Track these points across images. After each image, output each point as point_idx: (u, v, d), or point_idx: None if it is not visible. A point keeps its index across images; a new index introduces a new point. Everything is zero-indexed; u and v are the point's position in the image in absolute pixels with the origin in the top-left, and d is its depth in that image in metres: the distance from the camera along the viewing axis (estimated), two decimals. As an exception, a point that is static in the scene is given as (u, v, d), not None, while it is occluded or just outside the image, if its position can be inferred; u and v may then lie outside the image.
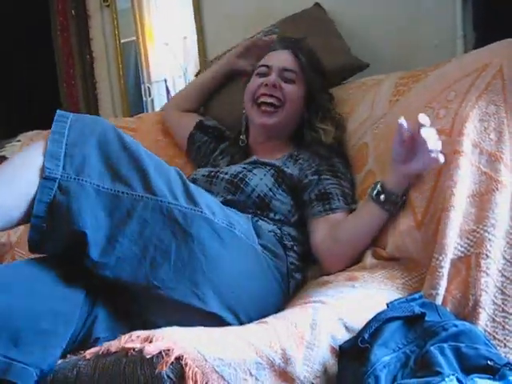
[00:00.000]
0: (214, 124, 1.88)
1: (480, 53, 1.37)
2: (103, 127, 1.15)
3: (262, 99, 1.62)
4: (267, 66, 1.67)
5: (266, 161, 1.57)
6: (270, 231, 1.41)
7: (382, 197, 1.30)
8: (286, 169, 1.52)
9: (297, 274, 1.41)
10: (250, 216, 1.40)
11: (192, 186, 1.20)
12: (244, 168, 1.54)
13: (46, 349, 1.05)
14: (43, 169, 1.08)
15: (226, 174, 1.53)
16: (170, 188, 1.15)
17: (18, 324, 1.03)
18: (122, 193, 1.11)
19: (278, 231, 1.43)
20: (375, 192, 1.31)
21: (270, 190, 1.48)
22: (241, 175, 1.50)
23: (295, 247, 1.44)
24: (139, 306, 1.18)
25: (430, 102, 1.34)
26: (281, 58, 1.68)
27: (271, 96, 1.61)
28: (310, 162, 1.54)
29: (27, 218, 1.09)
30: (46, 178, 1.08)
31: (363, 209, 1.37)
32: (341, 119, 1.63)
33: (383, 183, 1.31)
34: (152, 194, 1.12)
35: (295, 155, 1.59)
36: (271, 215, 1.46)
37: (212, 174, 1.56)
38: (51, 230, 1.09)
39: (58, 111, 1.16)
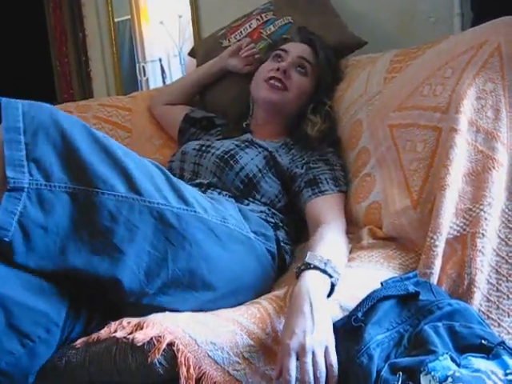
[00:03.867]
0: (202, 114, 1.86)
1: (477, 30, 1.35)
2: (64, 116, 1.02)
3: (271, 81, 1.61)
4: (285, 51, 1.67)
5: (259, 142, 1.56)
6: (260, 211, 1.40)
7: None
8: (277, 156, 1.51)
9: (288, 248, 1.40)
10: (233, 200, 1.38)
11: (176, 181, 1.12)
12: (236, 145, 1.53)
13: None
14: (4, 180, 0.94)
15: (218, 149, 1.51)
16: (155, 186, 1.06)
17: None
18: (102, 193, 0.99)
19: (268, 211, 1.43)
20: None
21: (260, 171, 1.47)
22: (232, 152, 1.49)
23: (285, 227, 1.44)
24: (134, 313, 1.06)
25: (427, 79, 1.32)
26: (300, 48, 1.68)
27: (279, 80, 1.61)
28: (302, 153, 1.53)
29: None
30: (10, 189, 0.93)
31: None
32: (330, 111, 1.63)
33: None
34: (137, 194, 1.02)
35: (290, 144, 1.59)
36: (258, 197, 1.45)
37: (203, 147, 1.55)
38: (25, 251, 0.95)
39: (2, 99, 0.98)
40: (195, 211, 1.10)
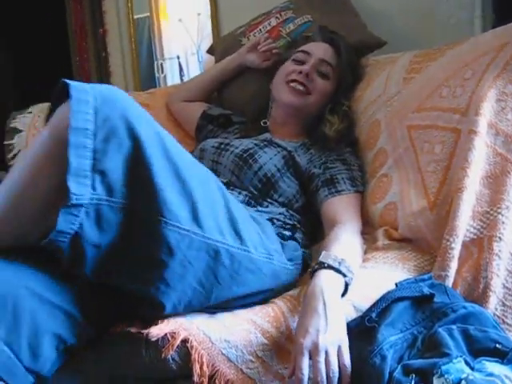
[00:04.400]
0: (219, 112, 1.86)
1: (498, 32, 1.33)
2: (137, 118, 0.93)
3: (292, 84, 1.61)
4: (307, 53, 1.66)
5: (278, 142, 1.56)
6: (279, 213, 1.40)
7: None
8: (296, 156, 1.51)
9: (308, 253, 1.39)
10: (269, 222, 1.34)
11: (232, 205, 1.09)
12: (255, 145, 1.53)
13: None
14: (65, 191, 0.86)
15: (237, 148, 1.51)
16: (216, 218, 1.02)
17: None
18: (166, 223, 0.92)
19: (287, 213, 1.43)
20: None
21: (278, 170, 1.47)
22: (251, 151, 1.49)
23: (302, 228, 1.44)
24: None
25: (447, 80, 1.31)
26: (322, 49, 1.67)
27: (302, 84, 1.60)
28: (320, 153, 1.53)
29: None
30: (69, 206, 0.86)
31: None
32: (348, 111, 1.62)
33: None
34: (199, 227, 0.97)
35: (308, 144, 1.58)
36: (275, 197, 1.45)
37: (222, 145, 1.55)
38: (74, 265, 0.93)
39: (72, 85, 0.89)
40: (248, 251, 1.08)
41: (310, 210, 1.48)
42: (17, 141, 1.95)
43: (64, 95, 0.92)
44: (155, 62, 3.05)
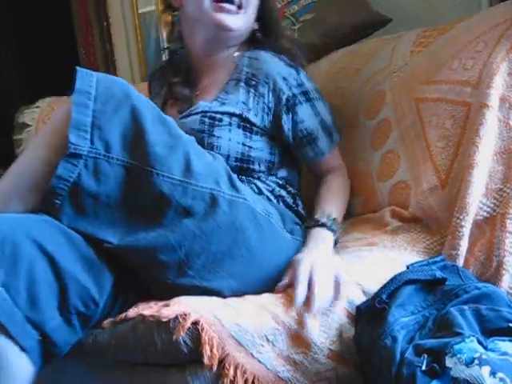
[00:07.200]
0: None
1: (510, 4, 1.30)
2: (135, 93, 1.03)
3: (222, 5, 1.30)
4: None
5: (221, 109, 1.29)
6: (271, 190, 1.30)
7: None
8: (249, 116, 1.28)
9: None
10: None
11: (233, 175, 1.12)
12: (201, 131, 1.26)
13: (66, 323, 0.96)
14: (67, 142, 0.96)
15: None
16: (210, 170, 1.06)
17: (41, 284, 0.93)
18: (157, 174, 0.99)
19: (278, 188, 1.32)
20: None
21: (244, 144, 1.28)
22: (206, 142, 1.25)
23: (294, 190, 1.36)
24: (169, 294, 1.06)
25: (457, 53, 1.28)
26: None
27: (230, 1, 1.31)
28: (269, 86, 1.30)
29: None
30: (68, 155, 0.95)
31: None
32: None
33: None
34: (192, 178, 1.02)
35: (250, 77, 1.32)
36: (256, 168, 1.30)
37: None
38: (74, 216, 0.98)
39: (78, 68, 1.01)
40: (245, 199, 1.09)
41: (290, 156, 1.38)
42: (25, 136, 1.96)
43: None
44: (163, 56, 3.05)
